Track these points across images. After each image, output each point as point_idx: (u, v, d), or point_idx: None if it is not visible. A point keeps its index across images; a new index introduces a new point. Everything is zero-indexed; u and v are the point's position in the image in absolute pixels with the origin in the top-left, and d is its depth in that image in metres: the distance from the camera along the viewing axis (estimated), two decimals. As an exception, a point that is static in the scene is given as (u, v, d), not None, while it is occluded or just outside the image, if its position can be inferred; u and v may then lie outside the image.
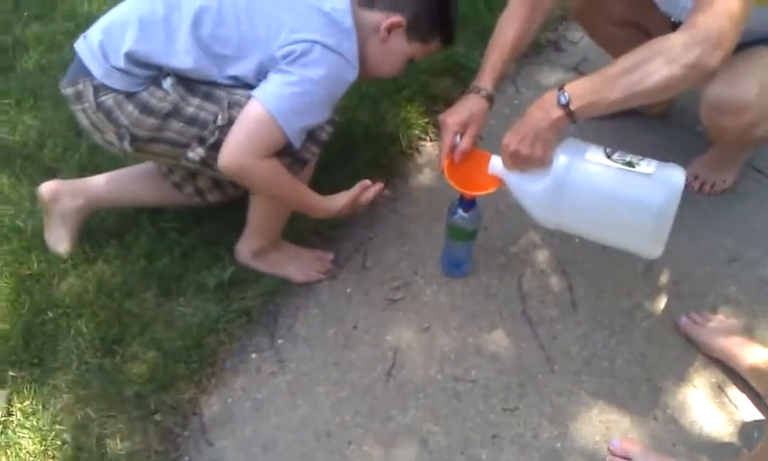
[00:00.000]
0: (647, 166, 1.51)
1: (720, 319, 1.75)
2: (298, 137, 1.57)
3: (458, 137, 1.68)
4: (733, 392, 1.66)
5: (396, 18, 1.64)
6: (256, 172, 1.57)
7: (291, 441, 1.58)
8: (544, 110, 1.50)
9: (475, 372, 1.70)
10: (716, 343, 1.70)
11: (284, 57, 1.53)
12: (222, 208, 1.92)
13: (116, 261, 1.85)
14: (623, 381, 1.69)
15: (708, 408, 1.64)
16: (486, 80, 1.72)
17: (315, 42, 1.52)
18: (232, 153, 1.54)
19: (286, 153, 1.58)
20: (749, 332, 1.73)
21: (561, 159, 1.55)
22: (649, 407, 1.64)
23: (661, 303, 1.84)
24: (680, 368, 1.71)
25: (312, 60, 1.53)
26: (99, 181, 1.87)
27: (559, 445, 1.58)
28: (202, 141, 1.59)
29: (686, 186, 2.01)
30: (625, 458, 1.52)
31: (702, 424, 1.61)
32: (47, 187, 1.83)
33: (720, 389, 1.67)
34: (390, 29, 1.65)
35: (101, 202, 1.88)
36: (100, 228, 1.93)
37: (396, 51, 1.69)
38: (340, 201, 1.73)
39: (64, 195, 1.82)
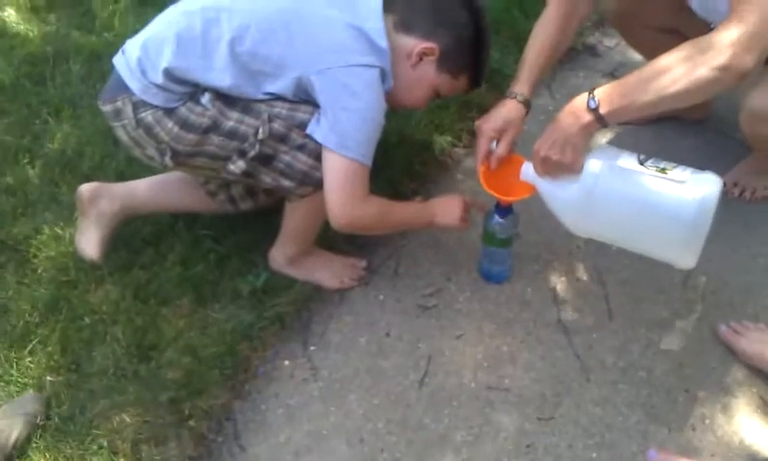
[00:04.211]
0: (681, 173, 1.47)
1: (761, 328, 1.71)
2: (371, 157, 1.60)
3: (494, 144, 1.67)
4: (775, 403, 1.63)
5: (430, 45, 1.63)
6: (367, 217, 1.65)
7: (323, 448, 1.58)
8: (574, 115, 1.48)
9: (509, 380, 1.69)
10: (757, 352, 1.67)
11: (326, 81, 1.54)
12: (256, 216, 1.93)
13: (152, 268, 1.87)
14: (660, 391, 1.66)
15: (749, 419, 1.61)
16: (523, 85, 1.70)
17: (355, 65, 1.53)
18: (340, 214, 1.60)
19: None
20: (791, 342, 1.69)
21: (591, 165, 1.52)
22: (687, 417, 1.61)
23: (700, 312, 1.80)
24: (719, 378, 1.68)
25: (356, 83, 1.54)
26: (137, 186, 1.90)
27: (594, 455, 1.56)
28: (242, 154, 1.61)
29: (726, 193, 2.01)
30: (662, 469, 1.49)
31: (742, 436, 1.58)
32: (86, 188, 1.86)
33: (761, 399, 1.63)
34: (422, 55, 1.64)
35: (138, 207, 1.90)
36: (136, 235, 1.95)
37: (423, 80, 1.67)
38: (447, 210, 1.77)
39: (103, 198, 1.85)
